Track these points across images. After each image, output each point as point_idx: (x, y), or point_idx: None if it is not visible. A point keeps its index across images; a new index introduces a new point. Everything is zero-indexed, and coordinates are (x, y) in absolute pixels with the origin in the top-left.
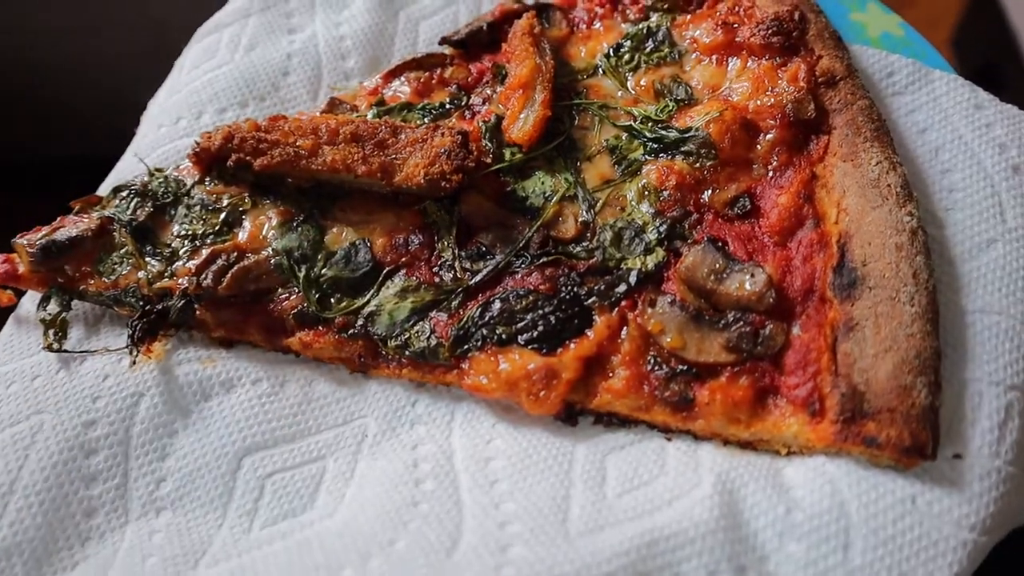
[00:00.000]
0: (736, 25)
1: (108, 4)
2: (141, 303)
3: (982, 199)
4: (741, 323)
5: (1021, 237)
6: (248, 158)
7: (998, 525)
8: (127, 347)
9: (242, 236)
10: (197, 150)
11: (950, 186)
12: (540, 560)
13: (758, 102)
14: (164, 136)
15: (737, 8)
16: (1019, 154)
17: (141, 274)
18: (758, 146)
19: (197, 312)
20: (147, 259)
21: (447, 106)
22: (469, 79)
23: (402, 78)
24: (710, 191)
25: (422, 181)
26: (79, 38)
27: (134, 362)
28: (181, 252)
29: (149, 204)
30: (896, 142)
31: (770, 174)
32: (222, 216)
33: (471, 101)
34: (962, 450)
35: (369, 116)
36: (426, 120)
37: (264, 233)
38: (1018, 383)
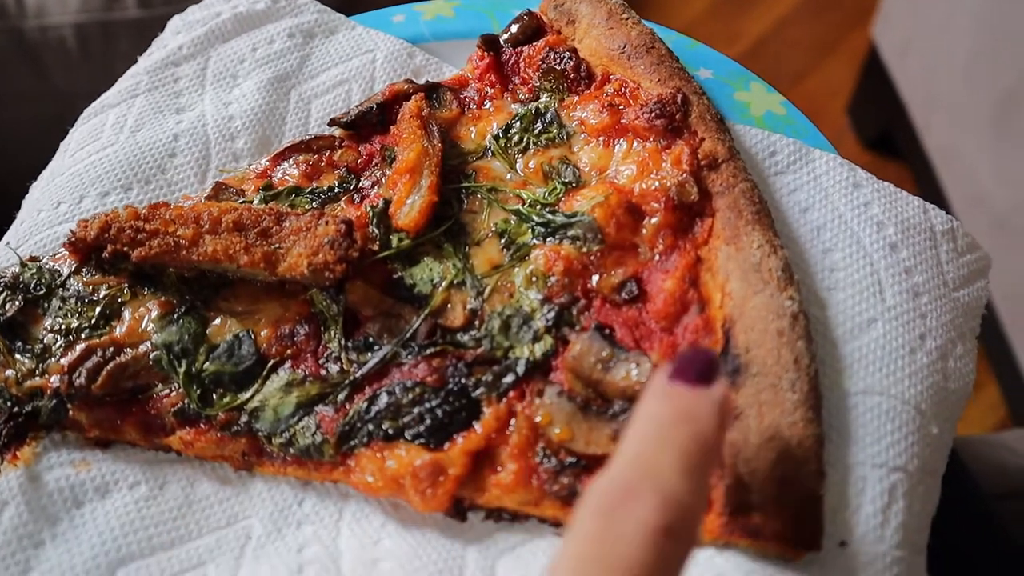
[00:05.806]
0: (622, 107)
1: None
2: (9, 404)
3: (862, 278)
4: (628, 413)
5: (899, 316)
6: (126, 249)
7: None
8: None
9: (120, 330)
10: (73, 239)
11: (831, 265)
12: None
13: (643, 185)
14: (43, 221)
15: (623, 89)
16: (896, 232)
17: (9, 372)
18: (643, 230)
19: (70, 412)
20: (16, 356)
21: (336, 190)
22: (359, 161)
23: (291, 160)
24: (598, 276)
25: (306, 271)
26: None
27: None
28: (54, 348)
29: (20, 297)
30: (779, 222)
31: (656, 258)
32: (99, 308)
33: (360, 184)
34: (847, 537)
35: (256, 201)
36: (315, 204)
37: (143, 326)
38: (900, 464)
